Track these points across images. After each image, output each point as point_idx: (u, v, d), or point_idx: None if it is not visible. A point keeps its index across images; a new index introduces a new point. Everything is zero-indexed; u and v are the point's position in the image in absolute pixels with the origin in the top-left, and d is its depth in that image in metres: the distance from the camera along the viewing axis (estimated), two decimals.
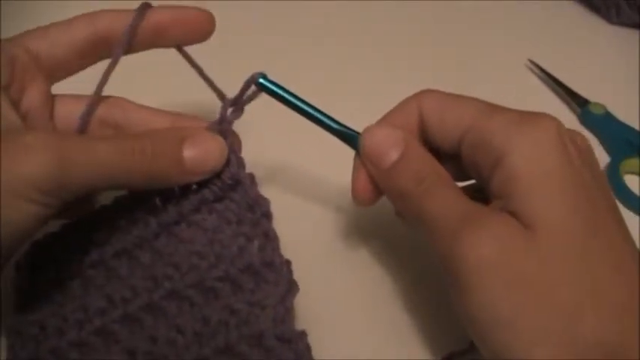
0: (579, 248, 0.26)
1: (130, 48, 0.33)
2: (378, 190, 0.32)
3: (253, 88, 0.32)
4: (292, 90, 0.33)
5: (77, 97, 0.33)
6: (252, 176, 0.32)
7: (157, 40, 0.33)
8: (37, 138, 0.26)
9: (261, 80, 0.32)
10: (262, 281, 0.29)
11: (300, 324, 0.29)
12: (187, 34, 0.33)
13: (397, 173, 0.30)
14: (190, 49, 0.34)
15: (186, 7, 0.33)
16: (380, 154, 0.31)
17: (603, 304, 0.25)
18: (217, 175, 0.31)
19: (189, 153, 0.30)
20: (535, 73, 0.52)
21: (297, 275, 0.30)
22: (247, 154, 0.33)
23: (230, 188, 0.31)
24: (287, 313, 0.28)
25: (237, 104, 0.32)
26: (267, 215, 0.30)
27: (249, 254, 0.29)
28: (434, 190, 0.29)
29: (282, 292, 0.28)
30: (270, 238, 0.30)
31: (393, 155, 0.30)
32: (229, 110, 0.32)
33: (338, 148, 0.33)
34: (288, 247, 0.30)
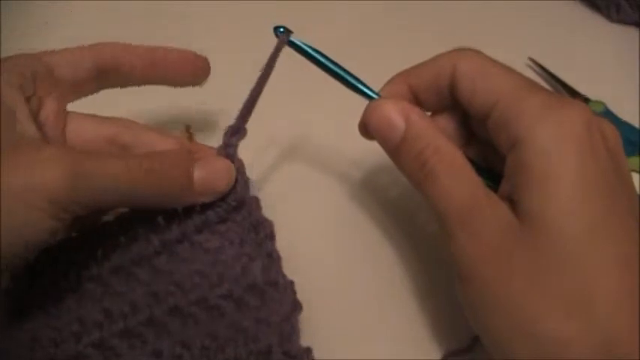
0: (572, 250, 0.25)
1: (129, 80, 0.35)
2: None
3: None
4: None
5: (88, 116, 0.34)
6: (256, 199, 0.32)
7: (158, 77, 0.35)
8: (54, 152, 0.27)
9: (292, 39, 0.32)
10: (267, 299, 0.29)
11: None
12: (184, 76, 0.36)
13: (400, 155, 0.30)
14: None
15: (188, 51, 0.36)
16: (383, 133, 0.30)
17: (590, 310, 0.25)
18: (222, 197, 0.32)
19: (199, 174, 0.30)
20: (535, 72, 0.52)
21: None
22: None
23: (234, 210, 0.32)
24: (293, 330, 0.28)
25: (239, 129, 0.33)
26: (271, 236, 0.31)
27: (253, 274, 0.30)
28: (436, 175, 0.28)
29: (286, 311, 0.29)
30: (273, 259, 0.30)
31: (396, 136, 0.30)
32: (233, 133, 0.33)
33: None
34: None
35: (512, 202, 0.27)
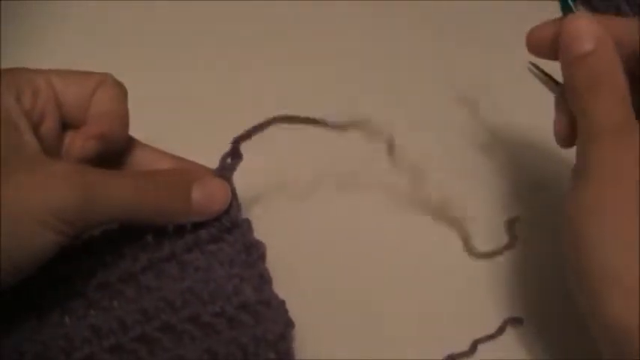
0: None
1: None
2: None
3: None
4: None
5: None
6: (248, 222, 0.33)
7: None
8: (65, 168, 0.27)
9: None
10: (261, 318, 0.29)
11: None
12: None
13: (575, 67, 0.31)
14: None
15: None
16: (572, 40, 0.31)
17: None
18: (216, 217, 0.32)
19: (197, 194, 0.31)
20: (536, 76, 0.52)
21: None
22: None
23: (227, 230, 0.32)
24: (289, 347, 0.29)
25: (238, 153, 0.34)
26: (263, 258, 0.31)
27: (245, 293, 0.30)
28: (601, 88, 0.30)
29: (281, 330, 0.29)
30: (265, 280, 0.31)
31: (583, 47, 0.31)
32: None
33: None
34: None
35: None
